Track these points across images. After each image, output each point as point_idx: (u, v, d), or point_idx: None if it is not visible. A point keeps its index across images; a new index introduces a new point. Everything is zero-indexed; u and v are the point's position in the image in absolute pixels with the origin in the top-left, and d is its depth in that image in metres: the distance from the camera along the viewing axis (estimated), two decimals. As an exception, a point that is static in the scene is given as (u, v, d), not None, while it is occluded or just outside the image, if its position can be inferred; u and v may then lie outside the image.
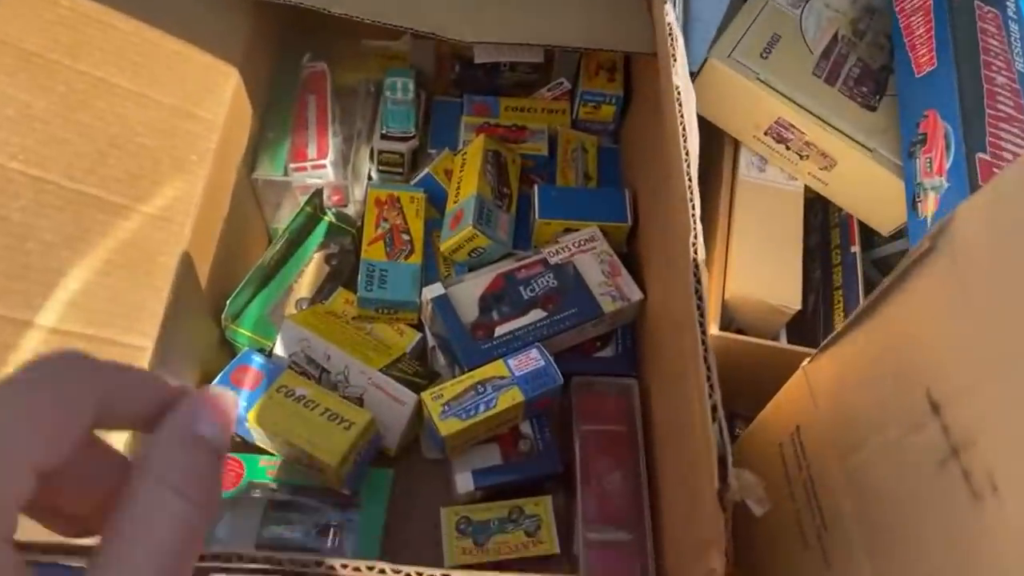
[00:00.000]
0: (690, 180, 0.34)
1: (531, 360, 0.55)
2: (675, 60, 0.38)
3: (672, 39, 0.39)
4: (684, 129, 0.36)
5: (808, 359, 0.37)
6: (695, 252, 0.32)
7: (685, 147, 0.35)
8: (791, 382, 0.38)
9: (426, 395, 0.53)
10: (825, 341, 0.35)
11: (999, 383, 0.25)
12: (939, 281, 0.27)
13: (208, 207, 0.52)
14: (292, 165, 0.62)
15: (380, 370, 0.53)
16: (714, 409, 0.30)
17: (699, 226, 0.33)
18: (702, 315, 0.31)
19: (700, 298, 0.31)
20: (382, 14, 0.57)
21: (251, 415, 0.51)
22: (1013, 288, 0.24)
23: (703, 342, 0.31)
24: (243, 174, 0.60)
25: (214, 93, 0.54)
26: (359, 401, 0.54)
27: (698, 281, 0.32)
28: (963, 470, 0.26)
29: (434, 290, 0.58)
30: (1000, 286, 0.25)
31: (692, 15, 0.91)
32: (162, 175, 0.50)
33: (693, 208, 0.33)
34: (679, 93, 0.37)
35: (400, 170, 0.69)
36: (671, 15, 0.40)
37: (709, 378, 0.31)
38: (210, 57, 0.55)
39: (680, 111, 0.37)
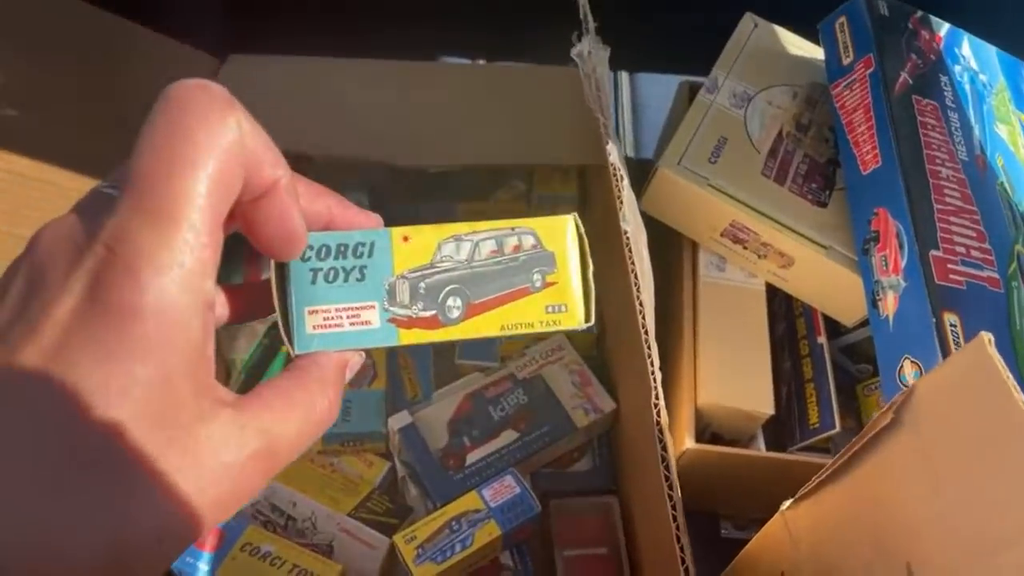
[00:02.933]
0: (647, 334, 0.34)
1: (506, 488, 0.53)
2: (621, 203, 0.38)
3: (618, 180, 0.39)
4: (636, 277, 0.36)
5: (786, 504, 0.36)
6: (657, 415, 0.32)
7: (639, 296, 0.35)
8: (771, 525, 0.37)
9: (398, 538, 0.51)
10: (802, 491, 0.34)
11: (980, 568, 0.24)
12: (906, 454, 0.26)
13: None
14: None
15: (349, 514, 0.51)
16: (687, 573, 0.29)
17: (659, 388, 0.32)
18: (674, 505, 0.30)
19: (670, 483, 0.30)
20: (331, 147, 0.57)
21: (215, 579, 0.49)
22: (978, 470, 0.24)
23: (677, 535, 0.30)
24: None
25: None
26: (329, 549, 0.51)
27: (664, 456, 0.31)
28: (954, 656, 0.25)
29: (401, 419, 0.56)
30: (966, 466, 0.24)
31: (640, 103, 0.93)
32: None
33: (652, 366, 0.33)
34: (627, 238, 0.37)
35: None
36: (614, 154, 0.40)
37: (686, 569, 0.29)
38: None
39: (630, 257, 0.36)
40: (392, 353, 0.63)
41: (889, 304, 0.51)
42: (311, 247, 0.25)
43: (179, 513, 0.19)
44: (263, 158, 0.21)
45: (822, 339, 0.59)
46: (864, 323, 0.60)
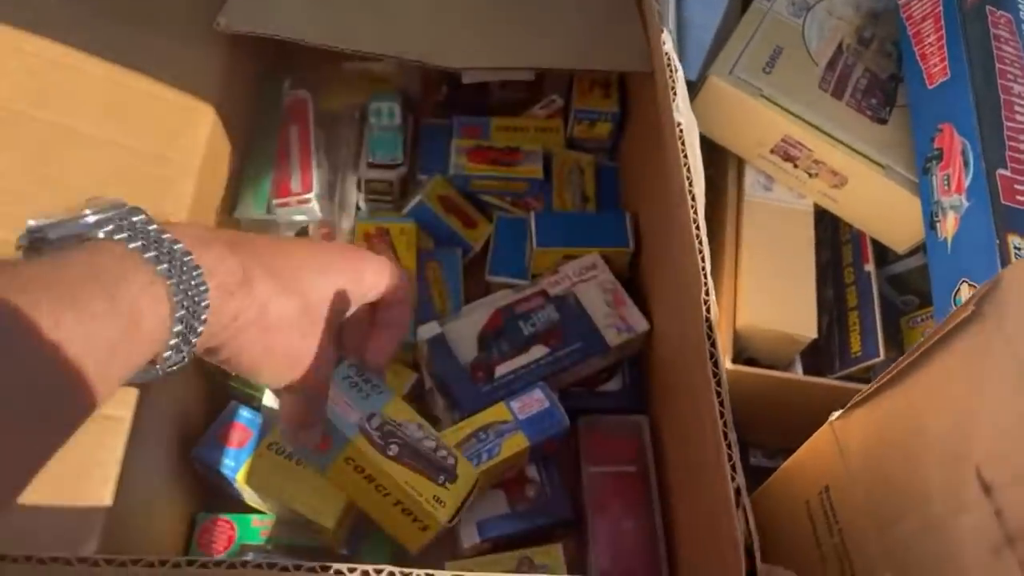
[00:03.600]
0: (698, 230, 0.32)
1: (535, 402, 0.52)
2: (675, 94, 0.35)
3: (671, 71, 0.36)
4: (688, 171, 0.33)
5: (836, 415, 0.34)
6: (707, 311, 0.30)
7: (691, 191, 0.33)
8: (817, 437, 0.35)
9: (426, 442, 0.50)
10: (855, 398, 0.32)
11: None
12: (987, 350, 0.24)
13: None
14: (276, 201, 0.59)
15: (375, 421, 0.50)
16: (737, 493, 0.27)
17: (710, 283, 0.30)
18: (725, 423, 0.29)
19: (719, 384, 0.29)
20: (362, 42, 0.54)
21: (240, 475, 0.48)
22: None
23: (724, 433, 0.28)
24: (224, 216, 0.57)
25: (189, 134, 0.51)
26: (355, 454, 0.51)
27: (715, 364, 0.29)
28: (1021, 562, 0.23)
29: (429, 329, 0.55)
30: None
31: (686, 20, 0.88)
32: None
33: (703, 262, 0.31)
34: (681, 131, 0.34)
35: (389, 199, 0.66)
36: (668, 43, 0.37)
37: (731, 463, 0.28)
38: (185, 96, 0.52)
39: (683, 150, 0.34)
40: (421, 265, 0.61)
41: (949, 225, 0.48)
42: None
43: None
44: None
45: (869, 266, 0.57)
46: (913, 252, 0.57)
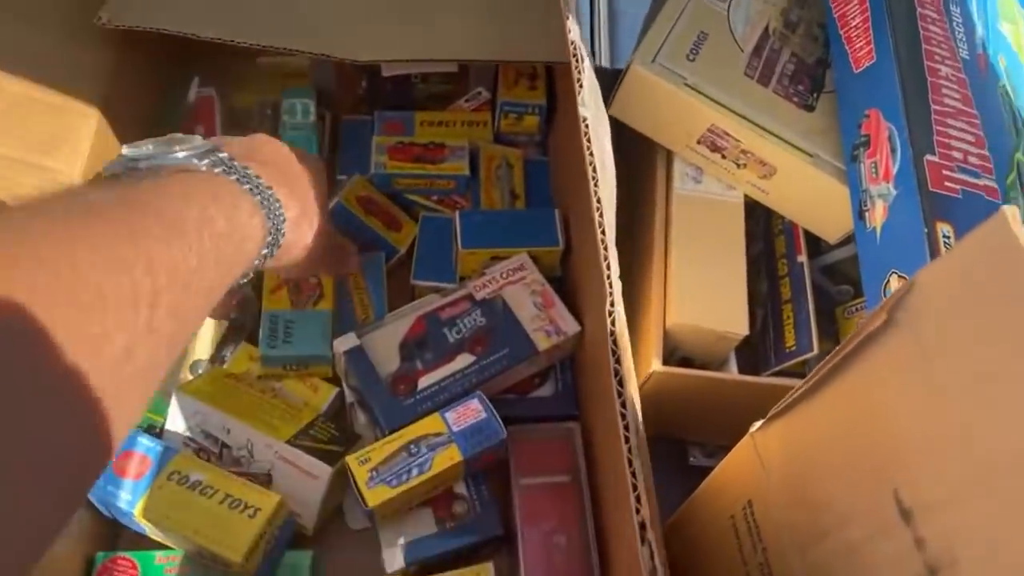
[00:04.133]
0: (603, 235, 0.29)
1: (471, 412, 0.50)
2: (581, 86, 0.33)
3: (578, 61, 0.34)
4: (594, 170, 0.31)
5: (757, 425, 0.32)
6: (612, 325, 0.27)
7: (595, 191, 0.30)
8: (739, 449, 0.33)
9: (351, 459, 0.47)
10: (774, 409, 0.30)
11: (983, 498, 0.20)
12: (900, 361, 0.22)
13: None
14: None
15: (288, 441, 0.47)
16: (642, 527, 0.25)
17: (616, 292, 0.28)
18: (627, 426, 0.26)
19: (624, 404, 0.26)
20: (262, 35, 0.51)
21: (138, 508, 0.45)
22: (991, 377, 0.19)
23: (628, 458, 0.26)
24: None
25: (69, 139, 0.47)
26: (267, 478, 0.48)
27: (616, 369, 0.27)
28: (944, 593, 0.21)
29: (347, 341, 0.52)
30: (975, 373, 0.20)
31: (616, 8, 0.86)
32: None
33: (608, 270, 0.28)
34: (587, 126, 0.32)
35: (308, 202, 0.63)
36: (574, 31, 0.35)
37: (636, 494, 0.25)
38: (63, 98, 0.48)
39: (588, 147, 0.31)
40: (341, 272, 0.58)
41: (877, 215, 0.46)
42: None
43: None
44: None
45: (802, 258, 0.55)
46: (847, 241, 0.56)
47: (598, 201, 0.30)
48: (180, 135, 0.34)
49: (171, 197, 0.30)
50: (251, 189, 0.34)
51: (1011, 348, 0.19)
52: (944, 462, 0.21)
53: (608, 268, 0.28)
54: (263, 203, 0.35)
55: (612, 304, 0.27)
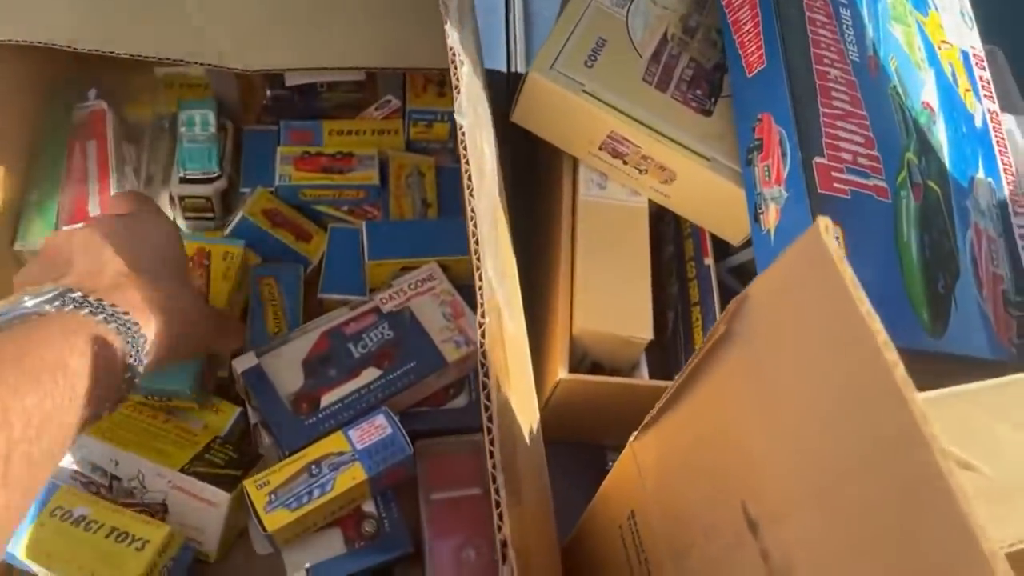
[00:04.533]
0: (476, 245, 0.29)
1: (376, 429, 0.48)
2: (458, 92, 0.32)
3: (456, 67, 0.33)
4: (469, 178, 0.30)
5: (634, 434, 0.32)
6: (482, 337, 0.27)
7: (472, 206, 0.29)
8: (622, 458, 0.33)
9: (249, 483, 0.45)
10: (647, 418, 0.30)
11: (815, 509, 0.20)
12: (739, 373, 0.22)
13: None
14: (67, 229, 0.53)
15: (182, 469, 0.45)
16: (504, 545, 0.24)
17: (485, 301, 0.27)
18: (492, 440, 0.26)
19: (490, 418, 0.26)
20: (140, 46, 0.49)
21: (22, 548, 0.42)
22: (813, 387, 0.19)
23: (492, 474, 0.25)
24: (3, 248, 0.50)
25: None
26: (162, 507, 0.46)
27: (484, 383, 0.26)
28: (789, 605, 0.21)
29: (245, 361, 0.50)
30: (801, 383, 0.20)
31: (533, 12, 0.86)
32: None
33: (480, 281, 0.27)
34: (463, 133, 0.31)
35: (211, 215, 0.61)
36: (452, 36, 0.34)
37: (499, 511, 0.25)
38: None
39: (465, 156, 0.31)
40: (254, 282, 0.56)
41: (771, 217, 0.47)
42: None
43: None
44: None
45: (709, 260, 0.56)
46: (750, 243, 0.56)
47: (472, 211, 0.30)
48: (30, 288, 0.36)
49: (22, 345, 0.31)
50: (105, 319, 0.36)
51: (828, 356, 0.19)
52: (782, 473, 0.21)
53: (480, 279, 0.28)
54: (119, 329, 0.36)
55: (483, 316, 0.27)
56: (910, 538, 0.16)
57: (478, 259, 0.29)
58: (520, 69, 0.80)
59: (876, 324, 0.18)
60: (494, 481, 0.26)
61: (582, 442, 0.60)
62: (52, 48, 0.48)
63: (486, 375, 0.27)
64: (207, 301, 0.53)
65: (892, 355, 0.17)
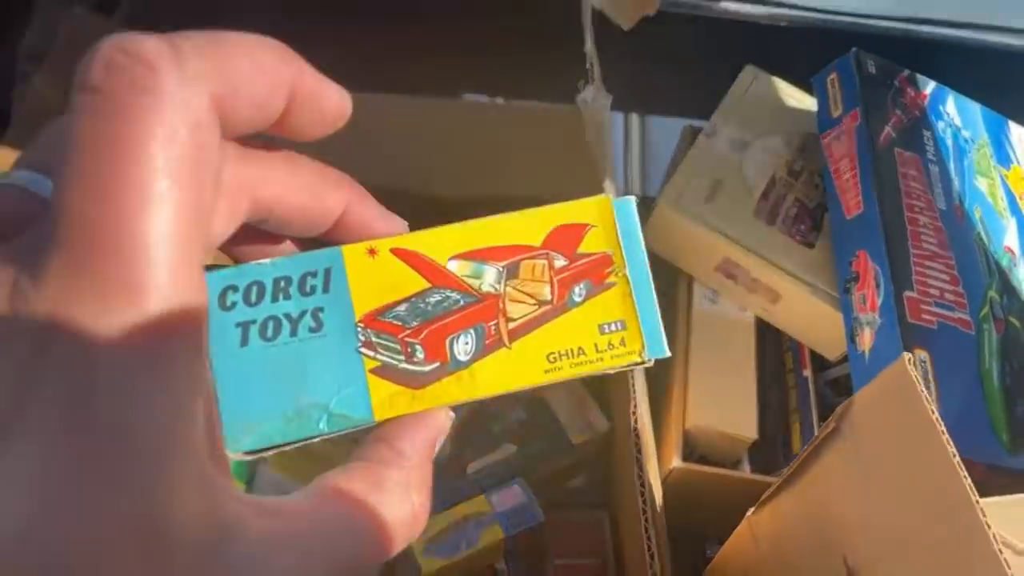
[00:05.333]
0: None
1: (512, 496, 0.57)
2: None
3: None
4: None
5: (752, 510, 0.39)
6: (635, 422, 0.36)
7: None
8: (739, 529, 0.41)
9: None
10: (764, 495, 0.38)
11: (897, 560, 0.27)
12: (844, 460, 0.30)
13: None
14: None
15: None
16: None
17: (639, 395, 0.36)
18: (644, 496, 0.34)
19: (642, 482, 0.34)
20: (351, 174, 0.62)
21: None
22: (901, 475, 0.28)
23: (644, 513, 0.34)
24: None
25: None
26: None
27: (640, 467, 0.35)
28: (879, 638, 0.28)
29: (409, 429, 0.60)
30: (891, 471, 0.28)
31: (649, 142, 0.98)
32: None
33: (632, 378, 0.37)
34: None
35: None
36: (609, 190, 0.45)
37: (649, 549, 0.33)
38: None
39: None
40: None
41: (866, 339, 0.55)
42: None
43: None
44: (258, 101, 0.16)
45: (807, 372, 0.63)
46: (846, 359, 0.63)
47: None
48: None
49: None
50: None
51: (908, 455, 0.27)
52: (873, 533, 0.29)
53: (632, 376, 0.37)
54: None
55: (635, 405, 0.36)
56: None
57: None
58: (635, 192, 0.92)
59: (947, 439, 0.26)
60: (646, 532, 0.34)
61: (682, 532, 0.66)
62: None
63: (639, 453, 0.36)
64: None
65: (958, 462, 0.26)
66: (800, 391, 0.63)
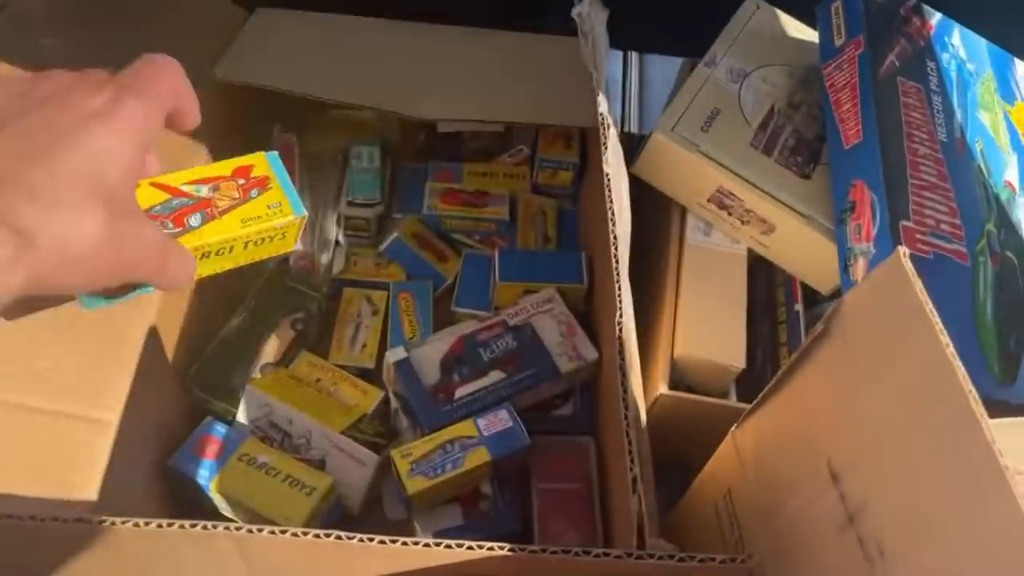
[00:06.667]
0: (616, 262, 0.37)
1: (499, 421, 0.57)
2: (605, 148, 0.41)
3: (604, 128, 0.42)
4: (613, 213, 0.39)
5: (735, 425, 0.39)
6: (620, 331, 0.35)
7: (613, 230, 0.38)
8: (722, 447, 0.40)
9: (395, 453, 0.54)
10: (748, 409, 0.37)
11: (884, 456, 0.27)
12: (833, 361, 0.30)
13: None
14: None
15: (342, 432, 0.55)
16: (634, 482, 0.32)
17: (625, 308, 0.36)
18: (626, 403, 0.34)
19: (624, 388, 0.34)
20: (346, 93, 0.61)
21: (214, 484, 0.53)
22: (891, 370, 0.27)
23: (626, 419, 0.33)
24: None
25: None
26: (321, 464, 0.55)
27: (623, 374, 0.34)
28: (858, 536, 0.28)
29: (396, 354, 0.60)
30: (881, 368, 0.28)
31: (649, 78, 0.96)
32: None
33: (619, 290, 0.36)
34: (608, 179, 0.40)
35: (367, 234, 0.72)
36: (603, 105, 0.43)
37: (631, 452, 0.33)
38: (181, 139, 0.58)
39: (609, 196, 0.40)
40: (393, 295, 0.67)
41: (859, 270, 0.54)
42: None
43: None
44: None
45: (798, 306, 0.63)
46: (837, 293, 0.63)
47: (614, 238, 0.38)
48: None
49: None
50: None
51: (900, 349, 0.26)
52: (860, 433, 0.28)
53: (619, 288, 0.36)
54: None
55: (621, 315, 0.35)
56: (945, 463, 0.24)
57: (617, 273, 0.38)
58: (632, 129, 0.90)
59: (940, 329, 0.25)
60: (626, 419, 0.34)
61: (668, 462, 0.66)
62: (256, 89, 0.60)
63: (622, 358, 0.35)
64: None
65: (953, 352, 0.25)
66: (790, 324, 0.62)
